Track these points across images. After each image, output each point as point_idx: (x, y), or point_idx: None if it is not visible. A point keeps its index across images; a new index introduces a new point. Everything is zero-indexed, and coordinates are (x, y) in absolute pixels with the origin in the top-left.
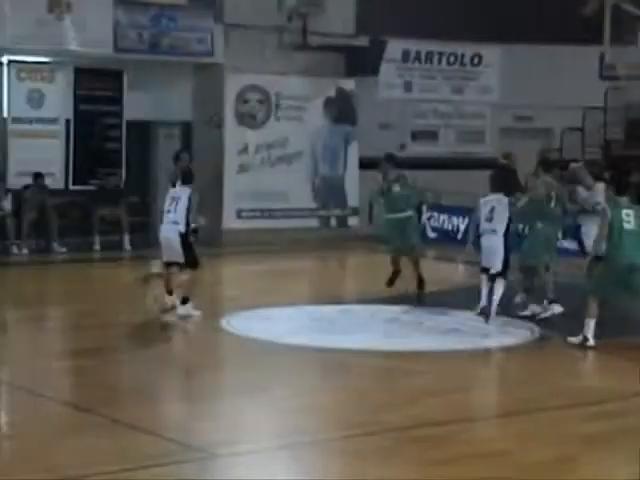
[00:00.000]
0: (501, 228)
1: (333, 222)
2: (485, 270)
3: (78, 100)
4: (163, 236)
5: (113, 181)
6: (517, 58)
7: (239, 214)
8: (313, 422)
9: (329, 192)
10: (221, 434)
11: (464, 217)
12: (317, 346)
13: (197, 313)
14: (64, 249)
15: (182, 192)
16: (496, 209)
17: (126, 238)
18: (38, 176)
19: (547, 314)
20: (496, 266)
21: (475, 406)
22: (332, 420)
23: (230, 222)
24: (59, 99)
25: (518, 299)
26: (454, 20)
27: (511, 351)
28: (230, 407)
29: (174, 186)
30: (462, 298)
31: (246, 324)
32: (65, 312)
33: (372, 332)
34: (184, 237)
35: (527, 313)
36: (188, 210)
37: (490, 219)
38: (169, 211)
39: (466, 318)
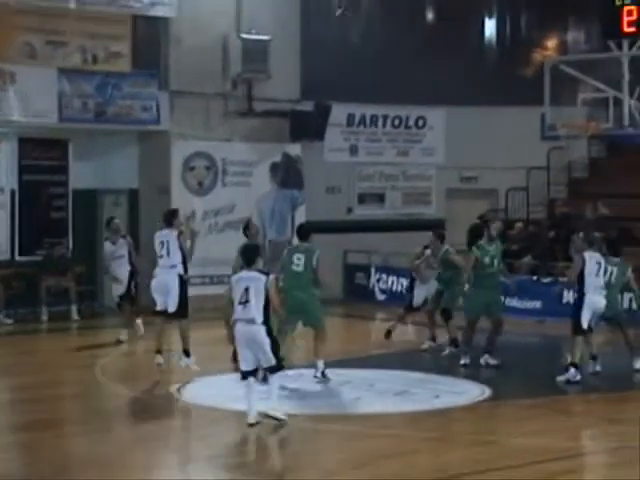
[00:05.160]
0: None
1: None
2: None
3: (23, 170)
4: (159, 283)
5: (59, 250)
6: (461, 120)
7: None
8: None
9: (277, 257)
10: None
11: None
12: (264, 412)
13: (197, 368)
14: (10, 320)
15: (167, 235)
16: None
17: (74, 308)
18: None
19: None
20: None
21: (427, 468)
22: None
23: None
24: (3, 170)
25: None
26: (398, 83)
27: (462, 411)
28: (181, 476)
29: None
30: (412, 359)
31: (196, 392)
32: (12, 385)
33: (323, 395)
34: (182, 280)
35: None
36: (182, 249)
37: None
38: (161, 256)
39: (416, 379)
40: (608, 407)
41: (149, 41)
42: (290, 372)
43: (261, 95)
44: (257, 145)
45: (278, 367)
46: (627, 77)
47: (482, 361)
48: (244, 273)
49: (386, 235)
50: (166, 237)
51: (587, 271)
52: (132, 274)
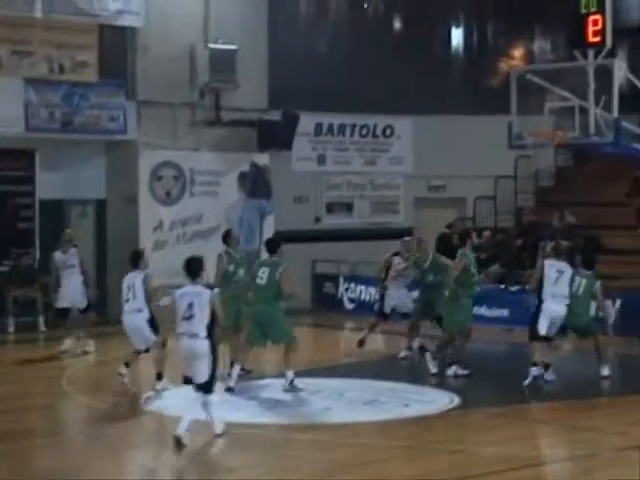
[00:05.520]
0: None
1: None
2: None
3: None
4: (129, 326)
5: (26, 261)
6: (428, 129)
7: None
8: None
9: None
10: None
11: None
12: (236, 421)
13: (172, 386)
14: None
15: (134, 278)
16: None
17: (41, 319)
18: None
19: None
20: None
21: (396, 477)
22: None
23: None
24: None
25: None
26: (365, 93)
27: (431, 420)
28: None
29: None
30: (381, 368)
31: (165, 402)
32: None
33: (293, 405)
34: (152, 322)
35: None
36: (147, 293)
37: None
38: (128, 299)
39: (385, 388)
40: (575, 415)
41: (116, 51)
42: (261, 382)
43: (229, 104)
44: (225, 155)
45: (207, 387)
46: (593, 86)
47: (451, 372)
48: (188, 288)
49: (354, 244)
50: (132, 280)
51: (545, 278)
52: (86, 284)
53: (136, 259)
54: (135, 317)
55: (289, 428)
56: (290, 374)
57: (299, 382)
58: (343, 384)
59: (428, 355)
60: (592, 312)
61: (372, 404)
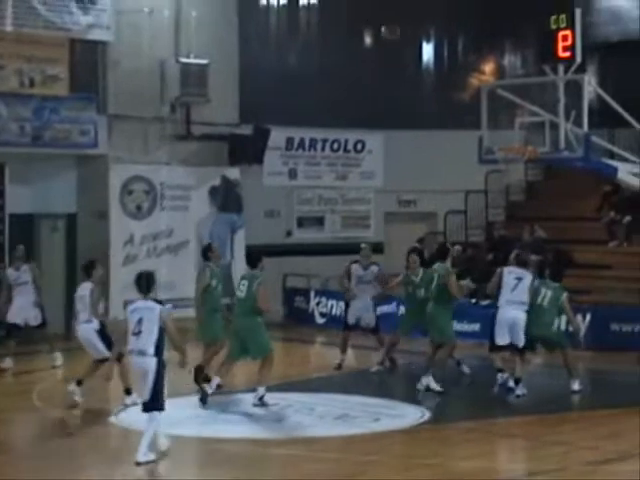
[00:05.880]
0: None
1: None
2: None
3: None
4: (82, 337)
5: None
6: (399, 143)
7: (126, 305)
8: None
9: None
10: None
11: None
12: (205, 436)
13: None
14: None
15: (85, 289)
16: None
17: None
18: None
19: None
20: None
21: None
22: None
23: (117, 314)
24: None
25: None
26: (336, 107)
27: (402, 434)
28: None
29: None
30: (352, 383)
31: (134, 417)
32: None
33: (264, 420)
34: (101, 332)
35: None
36: (92, 306)
37: None
38: (79, 311)
39: (356, 403)
40: (546, 429)
41: (87, 64)
42: (232, 396)
43: (200, 119)
44: (196, 169)
45: (153, 406)
46: (563, 101)
47: (422, 385)
48: (140, 303)
49: (325, 259)
50: (83, 291)
51: (503, 285)
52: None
53: (89, 269)
54: (85, 328)
55: (260, 443)
56: (261, 390)
57: (270, 397)
58: (314, 398)
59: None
60: (561, 325)
61: (343, 418)
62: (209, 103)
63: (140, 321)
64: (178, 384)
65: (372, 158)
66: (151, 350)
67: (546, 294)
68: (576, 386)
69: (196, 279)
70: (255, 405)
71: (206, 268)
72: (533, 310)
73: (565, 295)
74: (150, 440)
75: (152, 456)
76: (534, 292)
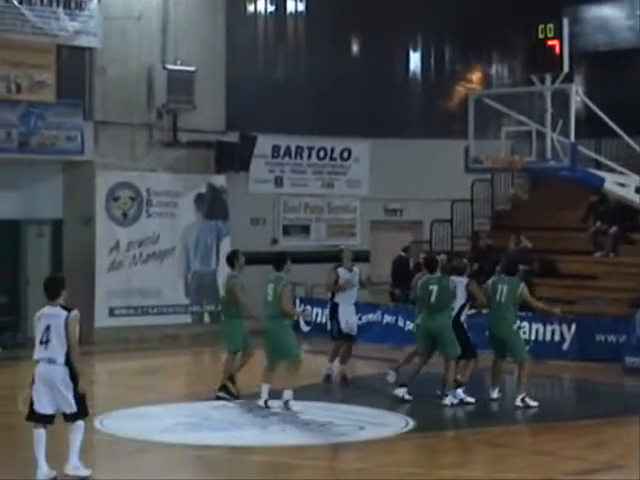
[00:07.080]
0: None
1: (207, 318)
2: None
3: None
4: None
5: None
6: (385, 152)
7: (111, 312)
8: None
9: (202, 288)
10: None
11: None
12: (192, 443)
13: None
14: None
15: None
16: None
17: None
18: None
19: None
20: None
21: None
22: None
23: (102, 320)
24: None
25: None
26: (323, 115)
27: (387, 443)
28: None
29: None
30: (336, 391)
31: (119, 424)
32: None
33: (249, 427)
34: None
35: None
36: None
37: None
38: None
39: (341, 411)
40: (530, 439)
41: (74, 71)
42: (216, 403)
43: (186, 126)
44: (182, 176)
45: (80, 415)
46: (550, 111)
47: (400, 393)
48: (46, 309)
49: (311, 267)
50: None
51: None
52: None
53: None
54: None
55: (244, 450)
56: (287, 394)
57: (251, 404)
58: (298, 406)
59: (495, 393)
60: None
61: (327, 426)
62: (196, 110)
63: (48, 328)
64: (168, 391)
65: (358, 166)
66: (61, 359)
67: (502, 290)
68: (495, 394)
69: (238, 289)
70: (281, 408)
71: (236, 278)
72: (492, 309)
73: (522, 285)
74: (79, 451)
75: (86, 472)
76: (492, 291)
